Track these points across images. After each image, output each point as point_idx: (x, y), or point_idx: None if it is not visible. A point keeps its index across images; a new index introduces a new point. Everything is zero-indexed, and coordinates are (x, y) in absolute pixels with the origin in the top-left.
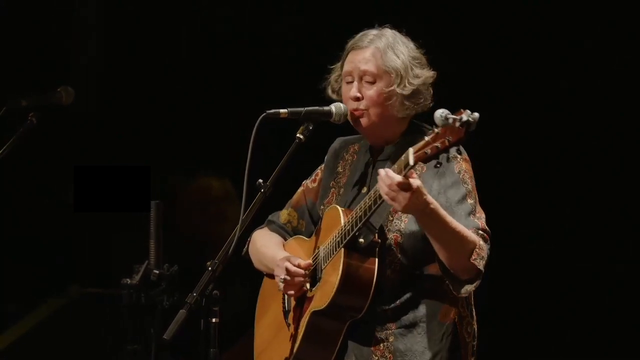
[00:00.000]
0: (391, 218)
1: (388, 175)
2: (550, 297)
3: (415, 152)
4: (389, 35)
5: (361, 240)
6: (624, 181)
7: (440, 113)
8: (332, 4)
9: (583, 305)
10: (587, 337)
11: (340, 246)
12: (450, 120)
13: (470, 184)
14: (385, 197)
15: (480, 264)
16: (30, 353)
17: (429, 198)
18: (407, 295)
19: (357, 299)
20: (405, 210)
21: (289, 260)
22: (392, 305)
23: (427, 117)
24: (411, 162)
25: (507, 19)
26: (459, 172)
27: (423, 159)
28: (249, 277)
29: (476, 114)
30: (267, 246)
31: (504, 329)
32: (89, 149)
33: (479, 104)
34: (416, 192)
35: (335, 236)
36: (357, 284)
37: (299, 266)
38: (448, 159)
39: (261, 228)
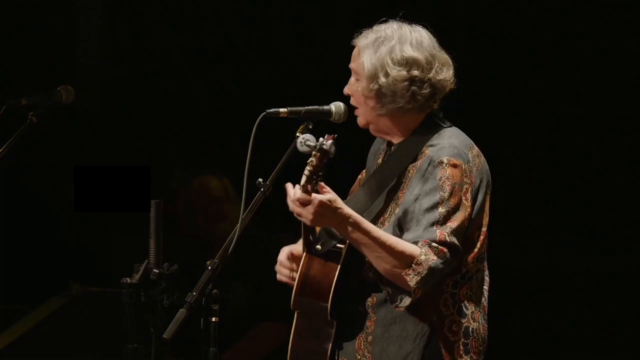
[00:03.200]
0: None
1: (292, 191)
2: (551, 298)
3: (305, 172)
4: (388, 31)
5: (318, 247)
6: (624, 182)
7: (300, 139)
8: (332, 3)
9: (584, 307)
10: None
11: (304, 251)
12: (310, 147)
13: (449, 191)
14: (293, 212)
15: (413, 280)
16: (32, 351)
17: (345, 212)
18: (384, 294)
19: (317, 304)
20: (314, 224)
21: (284, 251)
22: (371, 304)
23: (451, 112)
24: (302, 182)
25: (507, 19)
26: (440, 179)
27: (307, 179)
28: (249, 277)
29: (330, 142)
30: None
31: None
32: (89, 149)
33: (478, 104)
34: (319, 207)
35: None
36: (314, 291)
37: (288, 257)
38: (435, 165)
39: None
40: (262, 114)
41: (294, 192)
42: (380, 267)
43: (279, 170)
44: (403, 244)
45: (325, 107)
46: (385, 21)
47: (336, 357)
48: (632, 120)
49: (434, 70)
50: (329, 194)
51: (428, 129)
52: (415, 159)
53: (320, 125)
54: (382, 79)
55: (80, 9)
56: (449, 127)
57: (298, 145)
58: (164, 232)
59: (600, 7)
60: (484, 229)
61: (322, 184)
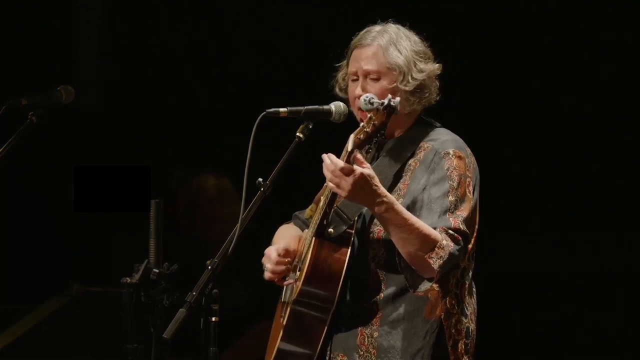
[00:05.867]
0: None
1: (332, 162)
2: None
3: (354, 137)
4: (392, 30)
5: (330, 230)
6: (624, 182)
7: (364, 97)
8: (332, 3)
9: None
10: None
11: (312, 236)
12: (375, 104)
13: (457, 181)
14: (330, 184)
15: (436, 264)
16: (32, 351)
17: (381, 190)
18: (391, 290)
19: (326, 289)
20: (351, 197)
21: (273, 249)
22: (377, 300)
23: (438, 113)
24: (349, 147)
25: (508, 19)
26: (448, 169)
27: (358, 144)
28: (249, 277)
29: (398, 99)
30: (277, 237)
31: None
32: (89, 149)
33: (478, 100)
34: (360, 179)
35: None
36: (325, 274)
37: (279, 254)
38: (441, 156)
39: (287, 222)
40: (262, 114)
41: (335, 161)
42: (404, 249)
43: (279, 169)
44: (428, 229)
45: (325, 107)
46: (376, 23)
47: (328, 353)
48: (632, 120)
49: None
50: (368, 170)
51: (422, 127)
52: (413, 154)
53: (321, 125)
54: (418, 74)
55: (80, 9)
56: (439, 126)
57: (362, 104)
58: (164, 232)
59: (600, 7)
60: (476, 227)
61: (361, 157)
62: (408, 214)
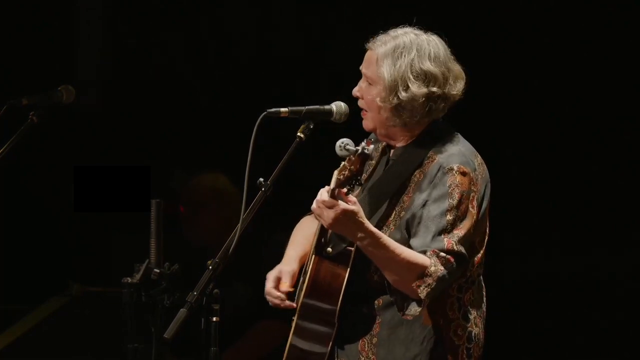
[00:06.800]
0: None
1: (321, 192)
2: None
3: (336, 177)
4: (406, 39)
5: (329, 249)
6: (624, 182)
7: (339, 143)
8: (332, 3)
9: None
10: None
11: (312, 253)
12: (350, 151)
13: (458, 198)
14: (314, 212)
15: (424, 292)
16: (32, 351)
17: (365, 225)
18: (392, 297)
19: (326, 305)
20: (332, 229)
21: (272, 278)
22: (379, 307)
23: (455, 118)
24: (332, 185)
25: (508, 19)
26: (449, 186)
27: (339, 184)
28: (250, 277)
29: (371, 146)
30: (292, 241)
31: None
32: (89, 149)
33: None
34: (341, 214)
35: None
36: (325, 291)
37: (277, 288)
38: (445, 171)
39: (310, 214)
40: (263, 114)
41: (322, 193)
42: (390, 278)
43: (280, 170)
44: (415, 256)
45: (326, 107)
46: (400, 26)
47: (335, 358)
48: (632, 120)
49: (449, 85)
50: (354, 205)
51: (433, 134)
52: (421, 164)
53: (322, 125)
54: (402, 94)
55: (80, 9)
56: (452, 133)
57: (337, 149)
58: (165, 232)
59: (600, 7)
60: (486, 235)
61: (345, 191)
62: (393, 245)
